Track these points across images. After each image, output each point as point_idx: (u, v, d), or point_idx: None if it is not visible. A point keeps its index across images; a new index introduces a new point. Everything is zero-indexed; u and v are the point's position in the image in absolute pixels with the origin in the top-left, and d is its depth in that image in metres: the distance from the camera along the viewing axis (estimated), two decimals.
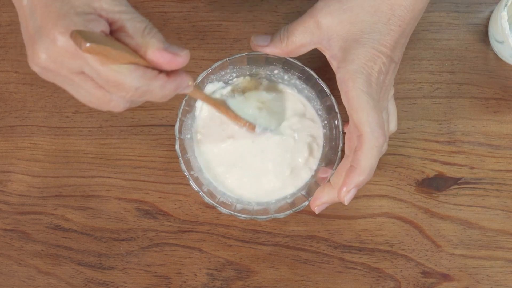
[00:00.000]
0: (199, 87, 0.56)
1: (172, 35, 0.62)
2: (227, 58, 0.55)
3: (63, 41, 0.41)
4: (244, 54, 0.56)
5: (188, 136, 0.58)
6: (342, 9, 0.49)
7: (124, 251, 0.61)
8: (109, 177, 0.62)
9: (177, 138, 0.55)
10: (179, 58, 0.43)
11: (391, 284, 0.60)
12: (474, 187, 0.61)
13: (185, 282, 0.61)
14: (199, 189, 0.55)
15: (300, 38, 0.51)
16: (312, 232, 0.61)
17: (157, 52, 0.43)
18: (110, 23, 0.43)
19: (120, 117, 0.62)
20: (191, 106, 0.58)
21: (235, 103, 0.57)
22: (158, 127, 0.62)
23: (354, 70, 0.49)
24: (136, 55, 0.43)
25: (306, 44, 0.52)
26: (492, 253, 0.60)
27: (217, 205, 0.55)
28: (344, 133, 0.55)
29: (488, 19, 0.62)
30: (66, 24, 0.40)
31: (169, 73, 0.44)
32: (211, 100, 0.55)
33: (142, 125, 0.62)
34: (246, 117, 0.57)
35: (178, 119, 0.55)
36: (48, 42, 0.41)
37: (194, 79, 0.54)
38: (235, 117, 0.56)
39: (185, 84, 0.45)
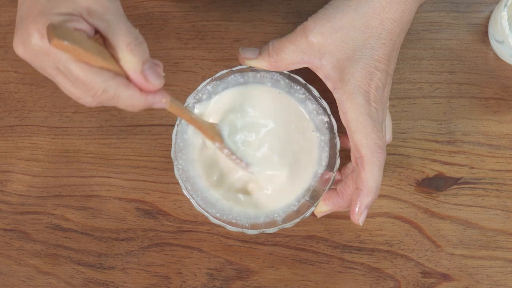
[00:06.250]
0: (186, 108, 0.53)
1: (172, 35, 0.62)
2: (212, 77, 0.55)
3: (37, 38, 0.41)
4: (229, 70, 0.55)
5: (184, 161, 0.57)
6: (334, 29, 0.49)
7: (124, 251, 0.61)
8: (109, 177, 0.62)
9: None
10: (150, 86, 0.44)
11: (391, 284, 0.60)
12: (474, 187, 0.61)
13: (185, 282, 0.61)
14: (207, 213, 0.54)
15: (290, 56, 0.51)
16: (311, 232, 0.61)
17: (132, 72, 0.43)
18: (96, 31, 0.43)
19: (120, 117, 0.62)
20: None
21: (229, 129, 0.56)
22: (158, 127, 0.62)
23: (351, 91, 0.49)
24: (113, 61, 0.43)
25: (296, 62, 0.51)
26: (492, 253, 0.60)
27: (225, 224, 0.55)
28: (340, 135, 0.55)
29: (488, 19, 0.62)
30: (44, 22, 0.41)
31: None
32: (197, 123, 0.52)
33: (142, 125, 0.62)
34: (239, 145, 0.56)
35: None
36: (25, 35, 0.42)
37: (187, 99, 0.49)
38: (223, 148, 0.54)
39: (157, 101, 0.45)
